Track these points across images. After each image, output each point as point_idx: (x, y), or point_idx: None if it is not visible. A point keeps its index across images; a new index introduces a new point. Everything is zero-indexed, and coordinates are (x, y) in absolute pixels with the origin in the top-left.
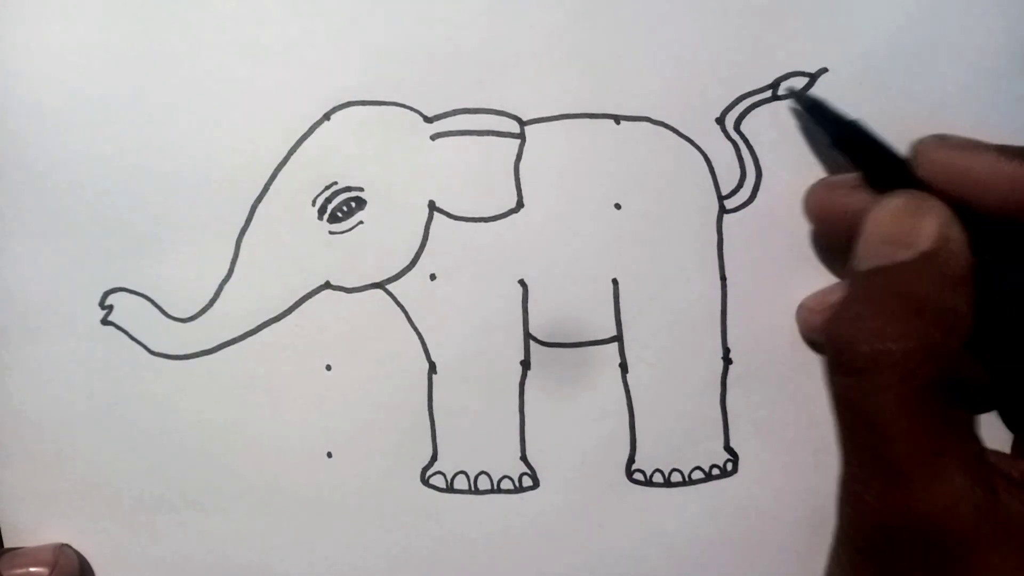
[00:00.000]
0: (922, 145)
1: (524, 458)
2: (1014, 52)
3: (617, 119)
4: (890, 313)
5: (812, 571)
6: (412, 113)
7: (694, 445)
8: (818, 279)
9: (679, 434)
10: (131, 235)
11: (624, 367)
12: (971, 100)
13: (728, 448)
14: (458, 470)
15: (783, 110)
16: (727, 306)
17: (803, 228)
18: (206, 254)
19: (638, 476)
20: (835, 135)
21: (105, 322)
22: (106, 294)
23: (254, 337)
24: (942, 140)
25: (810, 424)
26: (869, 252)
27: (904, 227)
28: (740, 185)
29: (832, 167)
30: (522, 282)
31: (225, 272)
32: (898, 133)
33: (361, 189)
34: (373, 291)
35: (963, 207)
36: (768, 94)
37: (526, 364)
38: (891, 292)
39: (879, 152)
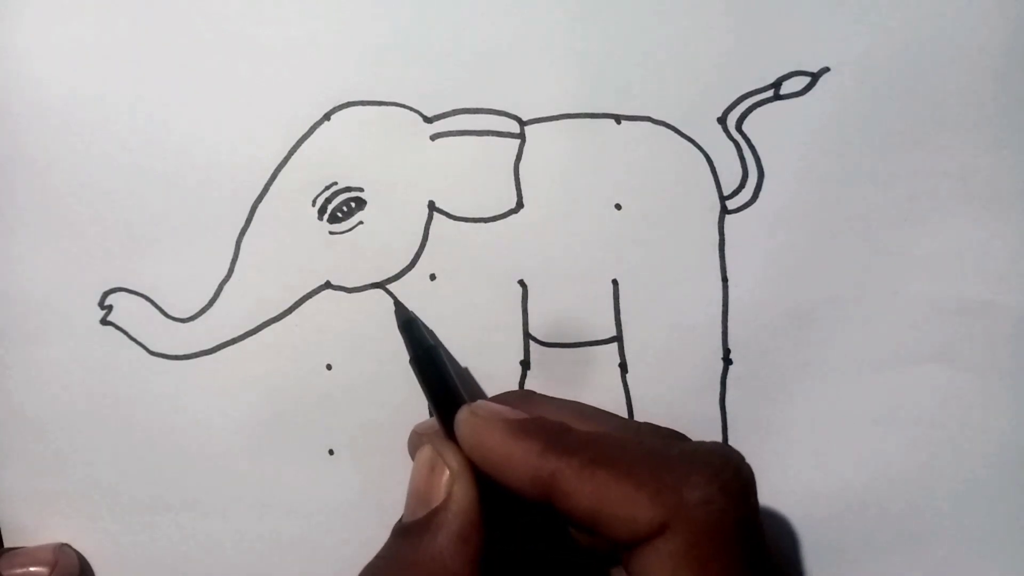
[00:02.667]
0: (461, 412)
1: None
2: (1014, 52)
3: (618, 119)
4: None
5: (810, 569)
6: (412, 113)
7: None
8: (819, 280)
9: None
10: (131, 235)
11: (624, 367)
12: (971, 100)
13: (722, 443)
14: None
15: (785, 110)
16: (728, 307)
17: (806, 229)
18: (206, 254)
19: None
20: (413, 355)
21: (104, 322)
22: (105, 294)
23: (254, 337)
24: (471, 412)
25: (809, 424)
26: (406, 505)
27: (426, 482)
28: (742, 185)
29: (833, 167)
30: (522, 282)
31: (225, 272)
32: (898, 133)
33: (361, 189)
34: (373, 291)
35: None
36: (770, 94)
37: (526, 364)
38: (407, 552)
39: (446, 386)
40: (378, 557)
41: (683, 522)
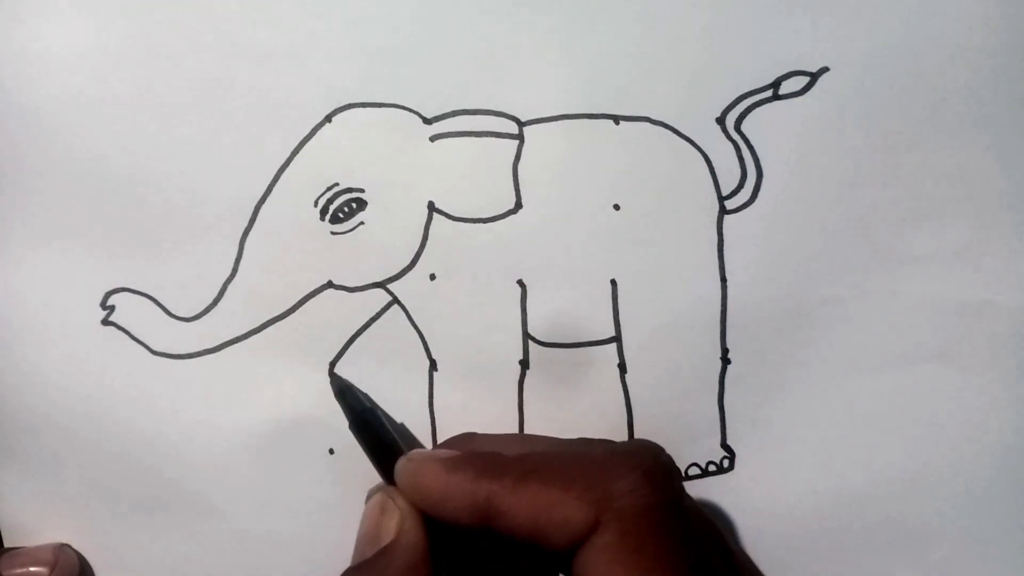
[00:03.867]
0: (398, 462)
1: None
2: (1014, 52)
3: (616, 119)
4: None
5: (808, 568)
6: (412, 115)
7: (691, 442)
8: (818, 280)
9: (677, 432)
10: (134, 236)
11: (623, 367)
12: (971, 100)
13: (725, 445)
14: None
15: (784, 110)
16: (727, 307)
17: (804, 229)
18: (210, 254)
19: None
20: (352, 419)
21: (106, 322)
22: (107, 295)
23: (257, 336)
24: (407, 459)
25: (808, 424)
26: (355, 549)
27: (375, 524)
28: (741, 186)
29: (832, 167)
30: (521, 282)
31: (229, 272)
32: (898, 133)
33: (362, 190)
34: (374, 290)
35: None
36: (769, 94)
37: (525, 364)
38: None
39: (385, 443)
40: None
41: (612, 514)
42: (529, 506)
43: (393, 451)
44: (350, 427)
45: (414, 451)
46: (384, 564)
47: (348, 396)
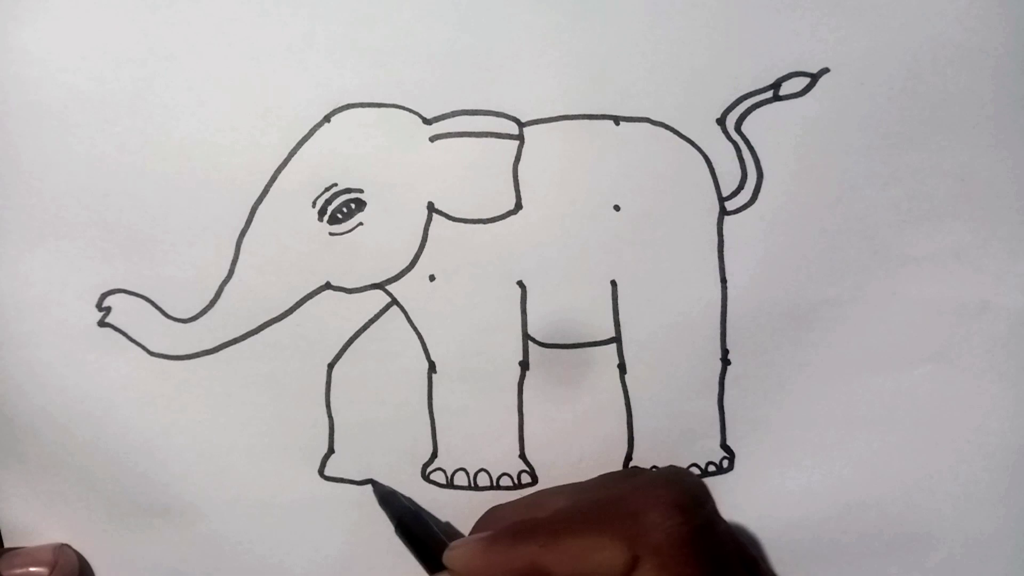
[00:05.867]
0: (444, 554)
1: (523, 456)
2: (1014, 53)
3: (617, 120)
4: None
5: (807, 569)
6: (411, 115)
7: (691, 443)
8: (818, 281)
9: (676, 432)
10: (130, 237)
11: (622, 368)
12: (970, 101)
13: (724, 446)
14: (458, 467)
15: (785, 111)
16: (727, 307)
17: (805, 230)
18: (206, 255)
19: None
20: (396, 523)
21: (103, 324)
22: (103, 296)
23: (256, 337)
24: (451, 549)
25: (807, 424)
26: None
27: None
28: (741, 187)
29: (832, 168)
30: (521, 283)
31: (226, 273)
32: (898, 134)
33: (361, 191)
34: (373, 292)
35: None
36: (769, 95)
37: (525, 364)
38: None
39: (429, 540)
40: None
41: (648, 548)
42: (568, 558)
43: (435, 546)
44: (395, 531)
45: (456, 541)
46: None
47: (391, 501)
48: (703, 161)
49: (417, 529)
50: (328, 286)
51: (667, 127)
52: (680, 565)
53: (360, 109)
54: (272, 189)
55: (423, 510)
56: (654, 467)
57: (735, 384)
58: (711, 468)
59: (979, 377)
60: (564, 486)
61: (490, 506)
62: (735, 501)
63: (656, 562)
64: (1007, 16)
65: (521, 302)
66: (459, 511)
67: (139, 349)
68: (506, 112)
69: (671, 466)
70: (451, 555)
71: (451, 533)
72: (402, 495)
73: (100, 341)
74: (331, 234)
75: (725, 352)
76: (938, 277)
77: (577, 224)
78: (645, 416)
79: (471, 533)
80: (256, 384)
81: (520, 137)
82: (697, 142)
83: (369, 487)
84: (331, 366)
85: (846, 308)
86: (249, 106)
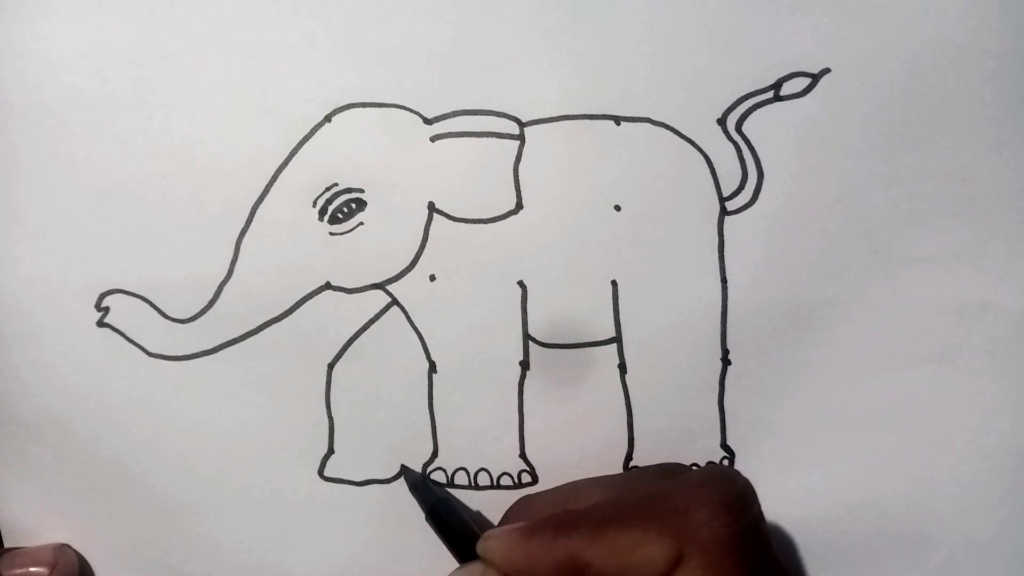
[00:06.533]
0: (478, 544)
1: (523, 455)
2: (1014, 53)
3: (617, 120)
4: None
5: (808, 571)
6: (412, 115)
7: (691, 443)
8: (818, 281)
9: (677, 432)
10: (130, 236)
11: (623, 368)
12: (971, 101)
13: (725, 446)
14: (458, 466)
15: (785, 111)
16: (727, 308)
17: (805, 230)
18: (206, 255)
19: None
20: (428, 509)
21: (101, 324)
22: (102, 296)
23: (255, 337)
24: (485, 538)
25: (808, 425)
26: None
27: None
28: (741, 187)
29: (832, 169)
30: (521, 283)
31: (225, 273)
32: (898, 134)
33: (361, 190)
34: (373, 292)
35: None
36: (770, 95)
37: (525, 364)
38: None
39: (461, 529)
40: None
41: (694, 546)
42: (611, 552)
43: (467, 535)
44: (426, 518)
45: (491, 530)
46: None
47: (421, 489)
48: (704, 161)
49: (449, 518)
50: (328, 286)
51: (668, 127)
52: (726, 566)
53: (361, 109)
54: (272, 189)
55: (453, 497)
56: (695, 465)
57: (735, 384)
58: None
59: (979, 378)
60: (599, 478)
61: (492, 504)
62: None
63: (701, 560)
64: (1008, 16)
65: (521, 302)
66: None
67: (138, 349)
68: (507, 112)
69: (717, 465)
70: (487, 545)
71: (482, 523)
72: (432, 481)
73: (100, 341)
74: (331, 234)
75: (725, 352)
76: (938, 277)
77: (578, 224)
78: (645, 416)
79: (501, 523)
80: (256, 384)
81: (521, 137)
82: (698, 142)
83: (368, 487)
84: (331, 366)
85: (846, 308)
86: (249, 106)
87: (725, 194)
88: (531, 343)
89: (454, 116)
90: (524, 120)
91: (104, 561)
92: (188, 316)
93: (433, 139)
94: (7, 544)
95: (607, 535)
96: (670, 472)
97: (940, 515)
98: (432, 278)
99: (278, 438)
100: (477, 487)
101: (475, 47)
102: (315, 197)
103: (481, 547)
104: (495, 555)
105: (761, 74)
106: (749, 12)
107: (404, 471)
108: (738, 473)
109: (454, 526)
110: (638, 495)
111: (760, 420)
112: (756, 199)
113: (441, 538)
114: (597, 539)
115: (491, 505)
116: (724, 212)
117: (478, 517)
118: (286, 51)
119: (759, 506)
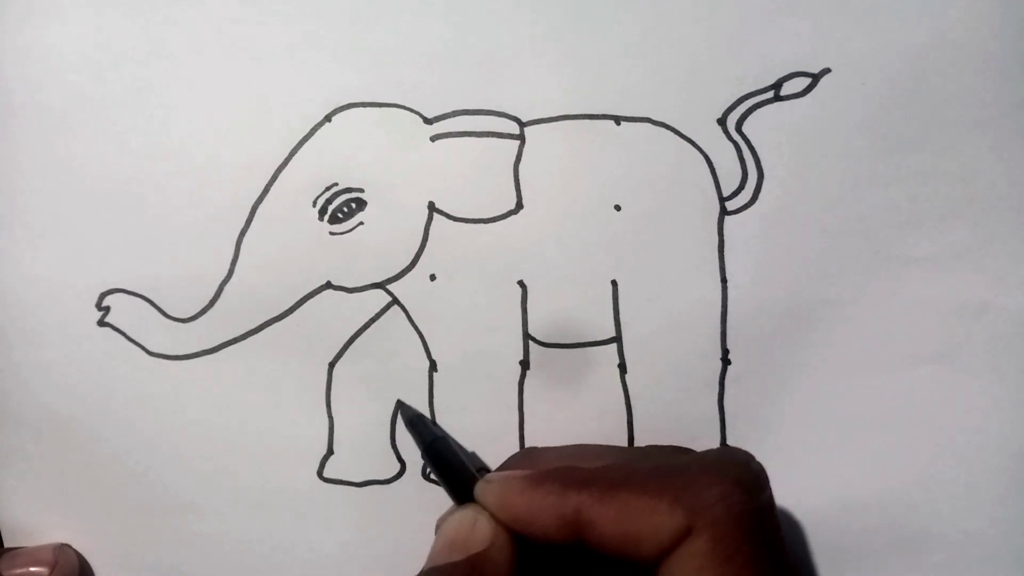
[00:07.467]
0: (478, 485)
1: None
2: (1014, 54)
3: (617, 120)
4: None
5: (806, 567)
6: (412, 114)
7: (691, 443)
8: (818, 281)
9: (677, 432)
10: (130, 236)
11: (623, 368)
12: (972, 102)
13: (724, 445)
14: None
15: (786, 111)
16: (727, 308)
17: (805, 230)
18: (206, 255)
19: None
20: (424, 448)
21: (102, 323)
22: (103, 295)
23: (256, 337)
24: (486, 481)
25: (808, 425)
26: (433, 554)
27: (462, 535)
28: (741, 187)
29: (833, 169)
30: (521, 283)
31: (226, 272)
32: (899, 134)
33: (362, 190)
34: (374, 291)
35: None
36: (770, 95)
37: (525, 364)
38: None
39: (460, 469)
40: None
41: (705, 521)
42: (619, 515)
43: (465, 476)
44: (422, 455)
45: (492, 473)
46: (475, 570)
47: (419, 425)
48: (704, 161)
49: (447, 456)
50: (329, 285)
51: (668, 127)
52: (735, 543)
53: (361, 109)
54: (272, 188)
55: (454, 440)
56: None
57: (735, 384)
58: None
59: (979, 378)
60: (609, 446)
61: None
62: None
63: (711, 535)
64: (1008, 16)
65: (522, 301)
66: None
67: (139, 349)
68: (507, 112)
69: (731, 447)
70: (487, 488)
71: (480, 466)
72: (431, 420)
73: (101, 341)
74: (332, 233)
75: (725, 352)
76: (939, 278)
77: (578, 224)
78: (645, 416)
79: (501, 470)
80: (256, 384)
81: (521, 137)
82: (698, 142)
83: (368, 488)
84: (332, 365)
85: (846, 308)
86: (250, 105)
87: (725, 194)
88: (531, 343)
89: (454, 116)
90: (524, 120)
91: (104, 561)
92: (189, 315)
93: (433, 139)
94: (7, 544)
95: (618, 497)
96: (681, 451)
97: (940, 515)
98: (432, 278)
99: (278, 438)
100: None
101: (475, 47)
102: (315, 197)
103: (480, 489)
104: (494, 499)
105: (761, 74)
106: (749, 12)
107: (400, 406)
108: (752, 457)
109: (451, 464)
110: (652, 465)
111: (760, 420)
112: (756, 199)
113: (437, 476)
114: (606, 500)
115: None
116: (724, 212)
117: (474, 458)
118: (286, 51)
119: (771, 491)
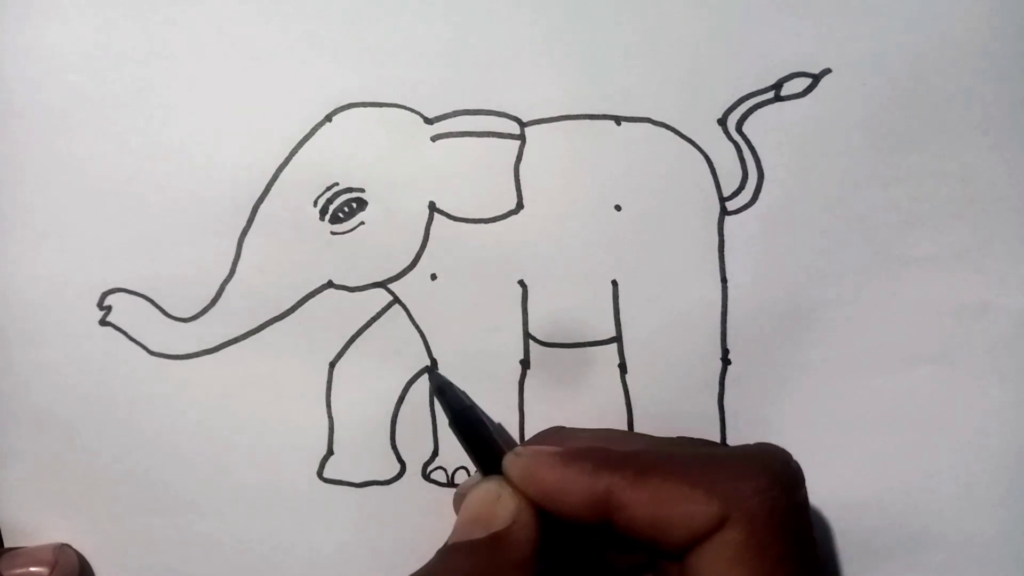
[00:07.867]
0: (507, 457)
1: None
2: (1015, 54)
3: (618, 120)
4: None
5: None
6: (413, 114)
7: None
8: (818, 281)
9: (676, 432)
10: (131, 236)
11: (623, 367)
12: (973, 102)
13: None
14: (459, 465)
15: (786, 112)
16: (727, 307)
17: (805, 230)
18: (207, 254)
19: None
20: (452, 417)
21: (103, 323)
22: (104, 295)
23: (257, 336)
24: (516, 454)
25: (807, 425)
26: (457, 529)
27: (486, 510)
28: (742, 187)
29: (833, 169)
30: (522, 282)
31: (227, 272)
32: (899, 135)
33: (362, 190)
34: (375, 290)
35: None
36: (771, 95)
37: (525, 363)
38: (460, 567)
39: (488, 439)
40: (427, 571)
41: (741, 512)
42: (652, 500)
43: (493, 448)
44: (450, 425)
45: (521, 447)
46: (497, 548)
47: (448, 394)
48: (704, 161)
49: (476, 426)
50: (330, 285)
51: (668, 127)
52: (769, 537)
53: (361, 108)
54: (273, 188)
55: (482, 411)
56: None
57: (735, 384)
58: None
59: (980, 378)
60: (637, 433)
61: None
62: None
63: (745, 527)
64: (1008, 17)
65: (522, 301)
66: None
67: (140, 348)
68: (507, 112)
69: (770, 444)
70: (515, 461)
71: (507, 439)
72: (460, 389)
73: (102, 340)
74: (332, 233)
75: (725, 352)
76: (939, 278)
77: (578, 224)
78: (645, 415)
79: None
80: (257, 383)
81: (521, 137)
82: (698, 142)
83: (368, 488)
84: (333, 364)
85: (846, 308)
86: (250, 105)
87: (725, 194)
88: (532, 342)
89: (455, 116)
90: (525, 120)
91: (104, 561)
92: (190, 315)
93: (434, 139)
94: (7, 544)
95: (652, 482)
96: (710, 444)
97: (940, 515)
98: (433, 277)
99: (278, 438)
100: None
101: (475, 47)
102: (316, 196)
103: (509, 461)
104: (522, 472)
105: (761, 74)
106: (749, 12)
107: (429, 372)
108: (790, 455)
109: (480, 434)
110: (689, 453)
111: (760, 420)
112: (756, 199)
113: (465, 447)
114: (640, 484)
115: None
116: (724, 212)
117: (501, 430)
118: (286, 51)
119: (806, 490)
